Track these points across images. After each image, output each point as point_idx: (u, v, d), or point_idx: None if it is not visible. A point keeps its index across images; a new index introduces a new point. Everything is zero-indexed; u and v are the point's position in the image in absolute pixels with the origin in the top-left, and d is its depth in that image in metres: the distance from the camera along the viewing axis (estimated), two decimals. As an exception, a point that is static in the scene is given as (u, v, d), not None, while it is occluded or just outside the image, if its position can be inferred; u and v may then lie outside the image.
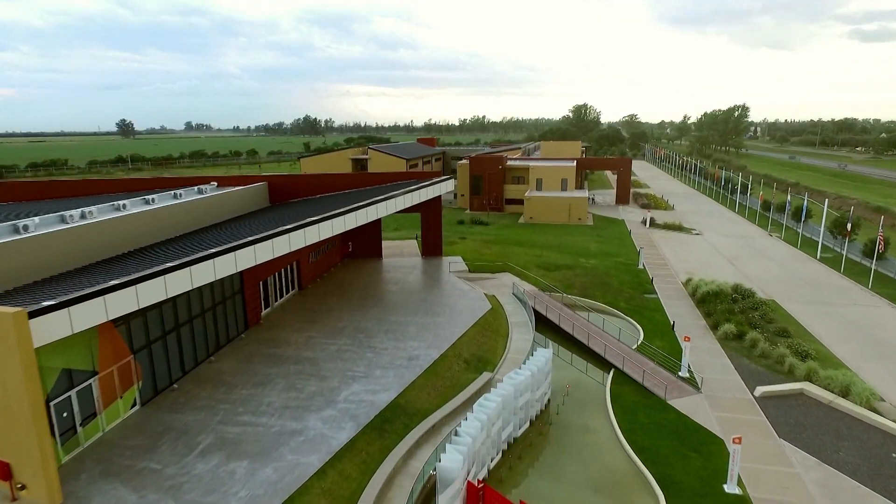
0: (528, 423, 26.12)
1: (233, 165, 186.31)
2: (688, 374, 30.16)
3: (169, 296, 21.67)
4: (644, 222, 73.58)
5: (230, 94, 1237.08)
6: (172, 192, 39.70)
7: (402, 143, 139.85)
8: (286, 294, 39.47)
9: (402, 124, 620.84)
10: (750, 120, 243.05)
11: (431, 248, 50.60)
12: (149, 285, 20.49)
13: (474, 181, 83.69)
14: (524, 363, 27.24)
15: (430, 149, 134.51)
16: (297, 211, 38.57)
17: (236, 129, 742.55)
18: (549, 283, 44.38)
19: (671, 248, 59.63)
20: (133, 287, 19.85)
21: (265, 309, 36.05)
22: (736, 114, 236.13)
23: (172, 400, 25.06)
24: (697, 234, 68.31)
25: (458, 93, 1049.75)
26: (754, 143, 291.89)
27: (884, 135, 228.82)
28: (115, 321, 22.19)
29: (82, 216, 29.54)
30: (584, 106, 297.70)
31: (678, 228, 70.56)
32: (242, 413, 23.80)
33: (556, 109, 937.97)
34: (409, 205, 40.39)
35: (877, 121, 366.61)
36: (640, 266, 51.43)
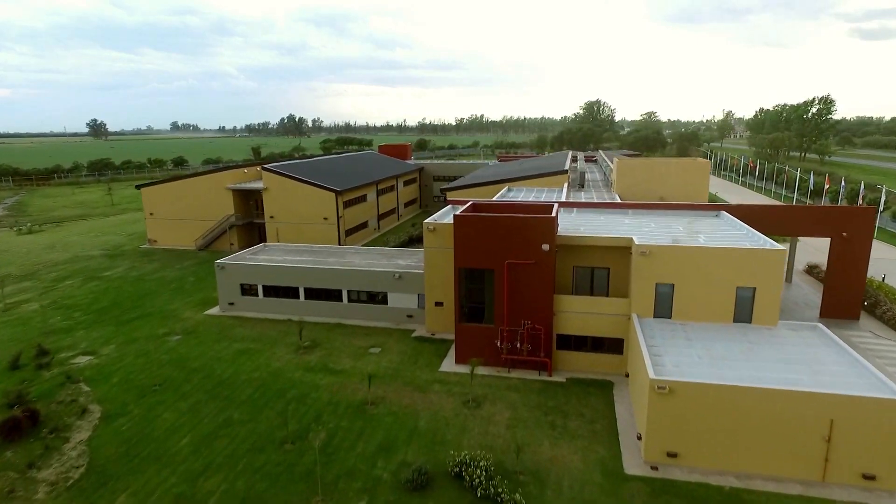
0: None
1: (120, 181, 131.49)
2: None
3: None
4: None
5: (226, 94, 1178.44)
6: None
7: (345, 156, 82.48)
8: None
9: (394, 124, 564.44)
10: (835, 118, 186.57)
11: None
12: None
13: (469, 282, 28.85)
14: None
15: (400, 164, 79.27)
16: None
17: (221, 130, 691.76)
18: None
19: None
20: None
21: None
22: (812, 109, 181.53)
23: None
24: None
25: (456, 92, 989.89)
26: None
27: None
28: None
29: None
30: (597, 102, 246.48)
31: None
32: None
33: (557, 109, 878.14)
34: None
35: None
36: None
